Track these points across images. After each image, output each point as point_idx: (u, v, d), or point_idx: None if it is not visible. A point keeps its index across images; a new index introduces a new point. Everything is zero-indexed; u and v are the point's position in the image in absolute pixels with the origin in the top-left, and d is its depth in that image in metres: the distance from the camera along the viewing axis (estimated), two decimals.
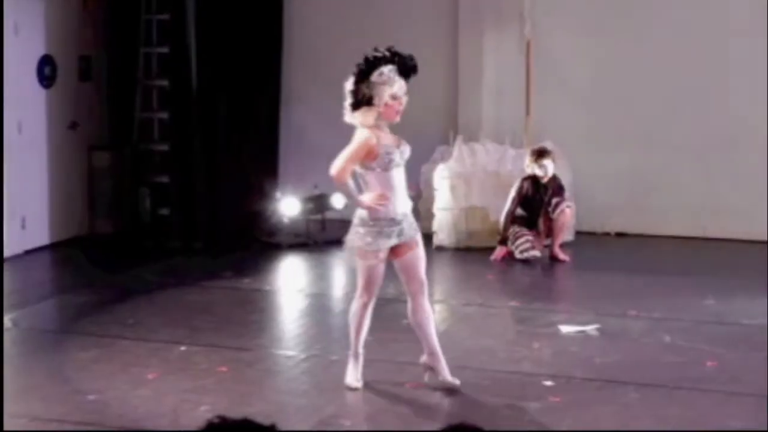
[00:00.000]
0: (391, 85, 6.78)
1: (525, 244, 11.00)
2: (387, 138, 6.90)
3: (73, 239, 11.78)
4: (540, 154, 11.12)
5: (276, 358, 7.85)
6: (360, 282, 7.00)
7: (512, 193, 11.14)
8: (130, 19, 12.00)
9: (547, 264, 10.99)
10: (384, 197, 6.80)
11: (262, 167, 12.32)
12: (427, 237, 11.73)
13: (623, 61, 12.10)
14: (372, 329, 8.47)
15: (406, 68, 6.86)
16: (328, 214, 12.11)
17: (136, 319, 8.79)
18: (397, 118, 6.90)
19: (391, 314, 9.01)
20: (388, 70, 6.79)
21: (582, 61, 12.30)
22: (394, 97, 6.80)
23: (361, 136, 6.83)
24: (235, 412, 3.58)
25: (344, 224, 12.26)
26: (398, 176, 6.90)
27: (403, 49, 13.63)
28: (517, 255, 10.99)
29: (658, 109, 12.04)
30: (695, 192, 11.97)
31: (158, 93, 12.13)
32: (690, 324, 8.61)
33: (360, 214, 6.91)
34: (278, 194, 12.11)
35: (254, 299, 9.58)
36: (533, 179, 11.10)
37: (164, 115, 11.95)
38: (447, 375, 6.99)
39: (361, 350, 7.07)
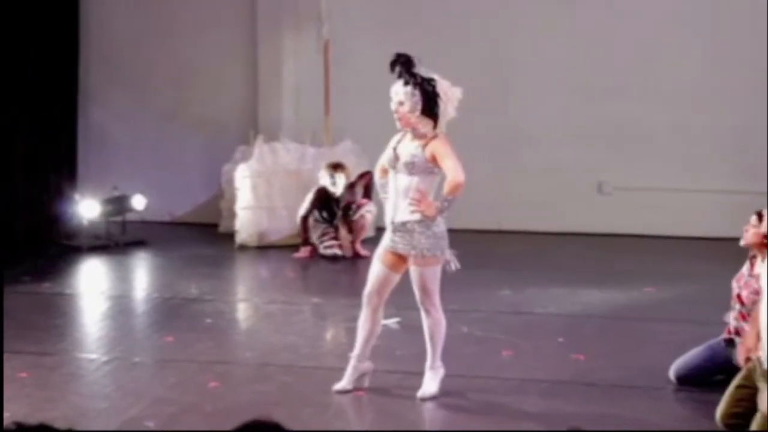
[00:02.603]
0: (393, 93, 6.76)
1: (329, 241, 11.15)
2: (402, 145, 6.84)
3: None
4: (335, 167, 11.27)
5: (78, 362, 7.77)
6: None
7: (308, 198, 11.24)
8: None
9: (349, 261, 11.14)
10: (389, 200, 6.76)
11: (60, 169, 12.10)
12: (230, 236, 11.81)
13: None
14: (175, 329, 8.51)
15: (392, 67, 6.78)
16: (129, 216, 12.00)
17: None
18: (403, 125, 6.80)
19: (193, 314, 9.03)
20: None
21: (379, 60, 12.22)
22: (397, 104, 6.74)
23: None
24: (36, 418, 3.55)
25: (144, 225, 12.36)
26: (400, 181, 6.72)
27: (202, 52, 13.65)
28: (321, 250, 11.14)
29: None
30: (490, 187, 12.30)
31: None
32: (487, 314, 8.90)
33: None
34: (77, 196, 11.92)
35: (55, 303, 9.43)
36: (325, 191, 11.23)
37: None
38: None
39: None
